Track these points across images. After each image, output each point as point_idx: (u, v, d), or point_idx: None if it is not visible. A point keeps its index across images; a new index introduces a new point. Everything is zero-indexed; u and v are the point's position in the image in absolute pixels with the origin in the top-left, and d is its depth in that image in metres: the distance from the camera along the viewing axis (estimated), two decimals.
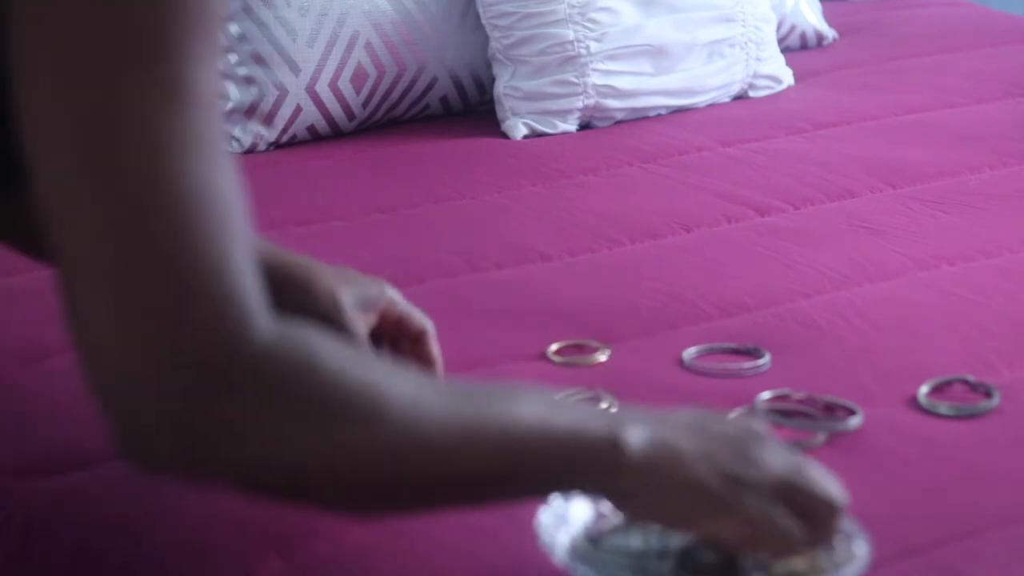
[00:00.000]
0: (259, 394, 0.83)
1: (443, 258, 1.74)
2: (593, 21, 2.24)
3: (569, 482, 0.97)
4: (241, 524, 1.17)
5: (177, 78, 0.83)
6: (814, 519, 1.01)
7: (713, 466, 0.99)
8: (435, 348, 1.29)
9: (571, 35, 2.23)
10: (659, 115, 2.30)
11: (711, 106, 2.34)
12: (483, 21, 2.26)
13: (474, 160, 2.12)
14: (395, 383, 0.88)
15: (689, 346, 1.47)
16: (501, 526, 1.15)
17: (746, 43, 2.36)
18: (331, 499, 0.92)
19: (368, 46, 2.22)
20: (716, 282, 1.65)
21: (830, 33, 2.74)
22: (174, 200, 0.82)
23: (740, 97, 2.38)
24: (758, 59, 2.37)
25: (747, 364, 1.44)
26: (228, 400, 0.83)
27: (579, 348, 1.49)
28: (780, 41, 2.54)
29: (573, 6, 2.23)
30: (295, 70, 2.18)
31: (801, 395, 1.36)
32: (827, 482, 1.02)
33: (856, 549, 1.06)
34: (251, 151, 2.18)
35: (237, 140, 2.17)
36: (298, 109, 2.19)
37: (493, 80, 2.28)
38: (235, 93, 2.17)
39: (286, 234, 1.85)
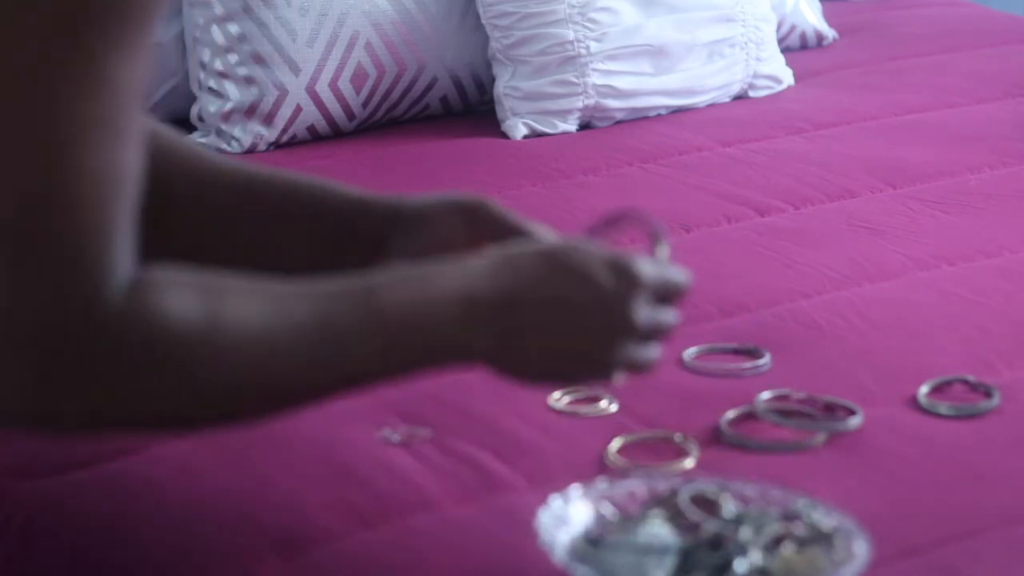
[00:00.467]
0: (106, 356, 0.89)
1: None
2: (593, 21, 2.24)
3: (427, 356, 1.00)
4: (241, 524, 1.17)
5: (96, 62, 0.87)
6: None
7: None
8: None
9: (571, 35, 2.23)
10: (659, 115, 2.30)
11: (711, 106, 2.34)
12: (483, 21, 2.26)
13: (474, 160, 2.12)
14: (239, 325, 0.93)
15: (689, 346, 1.47)
16: (501, 526, 1.15)
17: (746, 43, 2.36)
18: (184, 431, 1.05)
19: (368, 46, 2.22)
20: (716, 282, 1.64)
21: (830, 33, 2.74)
22: (70, 190, 0.87)
23: (740, 97, 2.38)
24: (758, 59, 2.37)
25: (747, 364, 1.44)
26: (77, 360, 0.89)
27: None
28: (780, 41, 2.54)
29: (573, 6, 2.23)
30: (295, 70, 2.18)
31: (801, 395, 1.36)
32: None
33: (856, 549, 1.06)
34: (251, 151, 2.18)
35: (237, 140, 2.17)
36: (298, 109, 2.19)
37: (493, 80, 2.28)
38: (235, 93, 2.17)
39: None
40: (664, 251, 1.12)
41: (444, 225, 1.13)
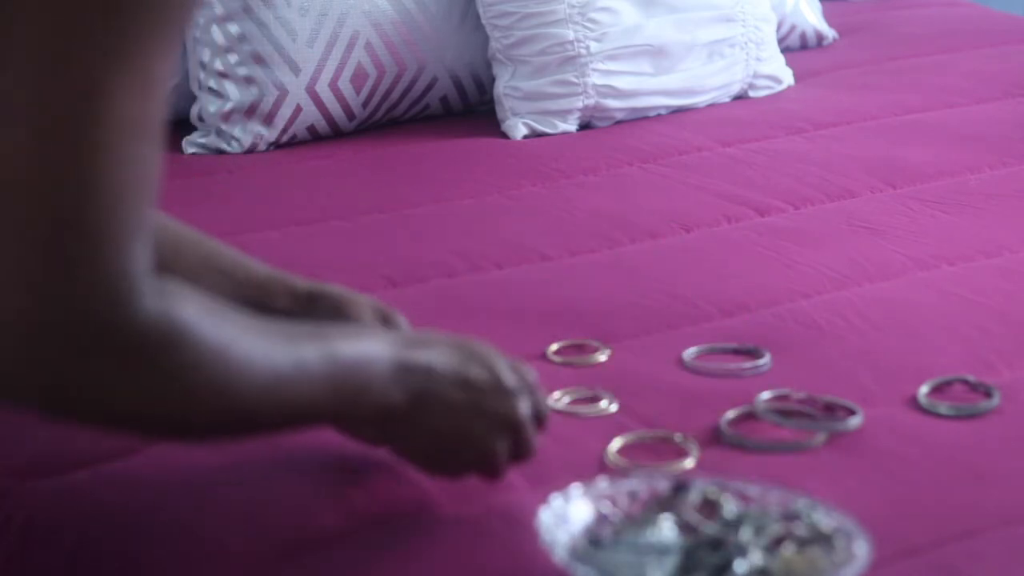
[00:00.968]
0: (130, 361, 0.92)
1: (443, 258, 1.74)
2: (593, 21, 2.24)
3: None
4: (241, 524, 1.17)
5: (142, 65, 0.89)
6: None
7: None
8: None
9: (571, 35, 2.23)
10: (659, 115, 2.30)
11: (711, 106, 2.34)
12: (483, 21, 2.26)
13: (474, 160, 2.12)
14: (243, 352, 0.98)
15: (689, 346, 1.47)
16: (501, 526, 1.15)
17: (746, 43, 2.36)
18: (191, 439, 1.11)
19: (368, 46, 2.22)
20: (716, 282, 1.65)
21: (830, 33, 2.75)
22: (106, 181, 0.89)
23: (740, 97, 2.38)
24: (758, 59, 2.37)
25: (747, 364, 1.44)
26: (98, 360, 0.91)
27: (579, 348, 1.49)
28: (780, 41, 2.54)
29: (573, 6, 2.23)
30: (295, 70, 2.18)
31: (801, 395, 1.36)
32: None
33: (856, 549, 1.06)
34: (251, 151, 2.18)
35: (237, 140, 2.17)
36: (298, 109, 2.19)
37: (493, 80, 2.28)
38: (235, 93, 2.17)
39: (286, 234, 1.85)
40: None
41: (364, 314, 1.26)
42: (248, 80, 2.17)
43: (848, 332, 1.51)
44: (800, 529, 1.09)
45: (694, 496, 1.12)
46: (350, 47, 2.20)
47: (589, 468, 1.24)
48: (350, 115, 2.23)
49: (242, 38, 2.17)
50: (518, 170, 2.06)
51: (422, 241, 1.81)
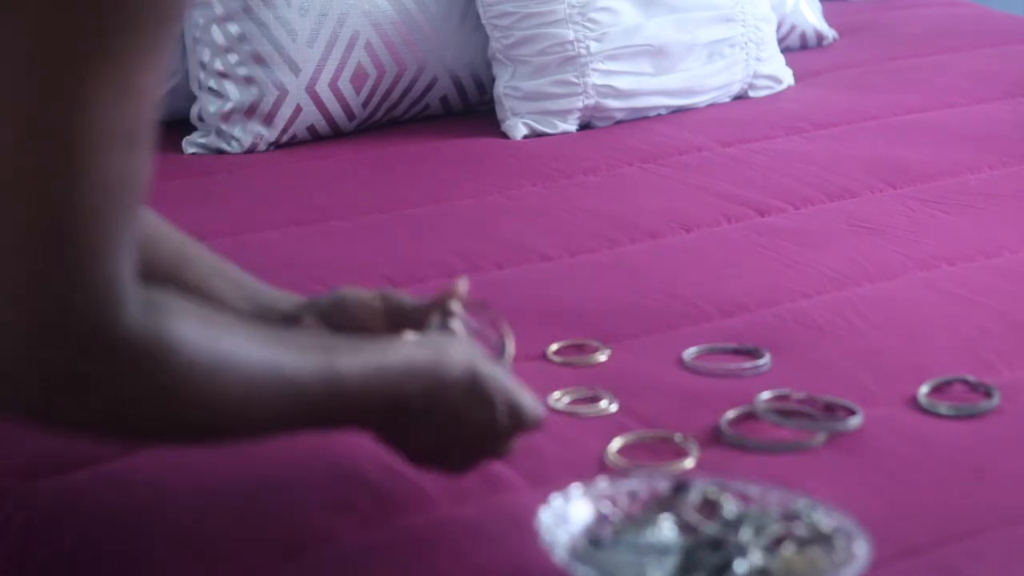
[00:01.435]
0: (115, 371, 0.93)
1: (443, 258, 1.74)
2: (593, 21, 2.24)
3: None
4: (242, 525, 1.17)
5: (128, 73, 0.89)
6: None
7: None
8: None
9: (571, 35, 2.23)
10: (659, 115, 2.30)
11: (711, 106, 2.34)
12: (483, 21, 2.26)
13: (474, 160, 2.12)
14: (235, 361, 0.98)
15: (689, 346, 1.47)
16: (501, 526, 1.15)
17: (746, 43, 2.36)
18: (176, 445, 1.15)
19: (368, 46, 2.22)
20: (716, 282, 1.65)
21: (830, 33, 2.74)
22: (92, 195, 0.89)
23: (740, 97, 2.38)
24: (758, 59, 2.37)
25: (747, 364, 1.44)
26: (83, 368, 0.91)
27: (579, 348, 1.49)
28: (780, 41, 2.54)
29: (573, 6, 2.23)
30: (295, 70, 2.18)
31: (801, 395, 1.36)
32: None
33: (856, 549, 1.06)
34: (251, 151, 2.18)
35: (237, 140, 2.17)
36: (298, 109, 2.19)
37: (493, 80, 2.28)
38: (235, 93, 2.17)
39: (286, 234, 1.85)
40: (510, 348, 1.28)
41: (364, 297, 1.27)
42: (248, 80, 2.17)
43: (848, 332, 1.51)
44: (800, 529, 1.09)
45: (694, 496, 1.12)
46: (350, 47, 2.20)
47: (589, 468, 1.24)
48: (350, 115, 2.23)
49: (242, 38, 2.17)
50: (518, 170, 2.06)
51: (422, 241, 1.81)
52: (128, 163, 0.90)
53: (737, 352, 1.47)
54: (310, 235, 1.84)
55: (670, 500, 1.11)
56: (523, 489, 1.21)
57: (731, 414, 1.33)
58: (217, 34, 2.18)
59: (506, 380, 1.17)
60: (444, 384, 1.13)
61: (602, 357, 1.47)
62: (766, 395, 1.36)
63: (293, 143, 2.21)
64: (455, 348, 1.16)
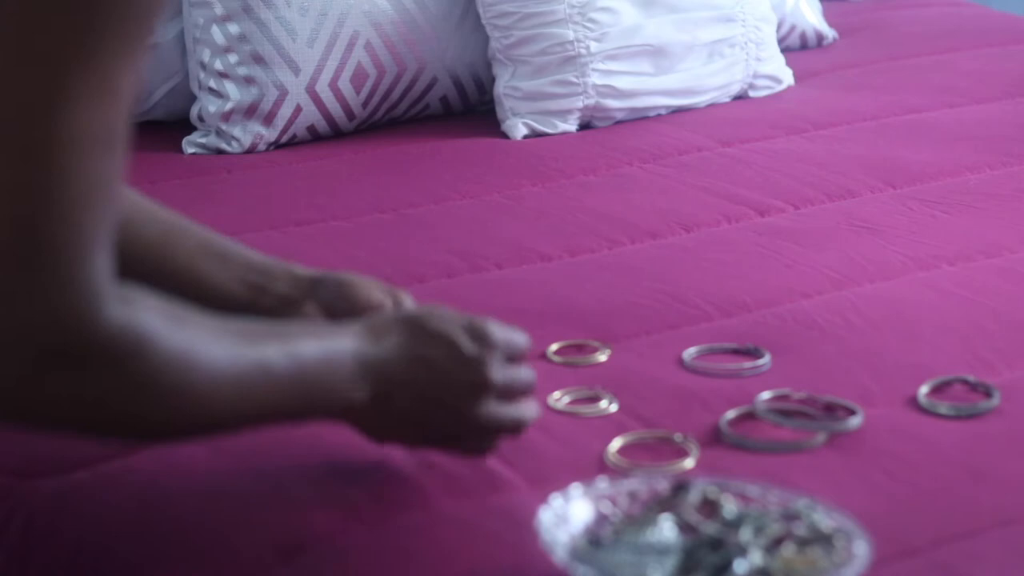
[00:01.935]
0: (94, 371, 0.93)
1: (443, 258, 1.74)
2: (593, 21, 2.24)
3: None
4: (242, 525, 1.17)
5: (103, 76, 0.89)
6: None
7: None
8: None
9: (571, 35, 2.23)
10: (659, 115, 2.30)
11: (711, 106, 2.34)
12: (483, 21, 2.26)
13: (474, 160, 2.12)
14: (206, 356, 1.00)
15: (689, 346, 1.47)
16: (501, 526, 1.15)
17: (746, 43, 2.36)
18: (156, 442, 1.17)
19: (368, 46, 2.22)
20: (716, 282, 1.65)
21: (830, 33, 2.75)
22: (67, 196, 0.89)
23: (740, 97, 2.38)
24: (758, 59, 2.37)
25: (747, 364, 1.44)
26: (62, 370, 0.92)
27: (579, 348, 1.49)
28: (780, 41, 2.54)
29: (573, 6, 2.23)
30: (295, 70, 2.18)
31: (801, 395, 1.36)
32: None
33: (856, 549, 1.06)
34: (251, 151, 2.18)
35: (237, 140, 2.17)
36: (298, 109, 2.19)
37: (493, 80, 2.28)
38: (235, 93, 2.17)
39: (286, 234, 1.85)
40: None
41: (371, 295, 1.28)
42: (248, 80, 2.17)
43: (848, 332, 1.51)
44: (800, 529, 1.09)
45: (694, 496, 1.12)
46: (350, 47, 2.20)
47: (589, 468, 1.24)
48: (350, 115, 2.23)
49: (242, 38, 2.17)
50: (518, 170, 2.06)
51: (422, 241, 1.81)
52: (104, 164, 0.91)
53: (737, 352, 1.47)
54: (310, 235, 1.84)
55: (670, 500, 1.11)
56: (523, 489, 1.21)
57: (731, 414, 1.33)
58: (217, 34, 2.18)
59: (452, 313, 1.17)
60: (390, 335, 1.13)
61: (602, 357, 1.47)
62: (766, 395, 1.36)
63: (293, 143, 2.21)
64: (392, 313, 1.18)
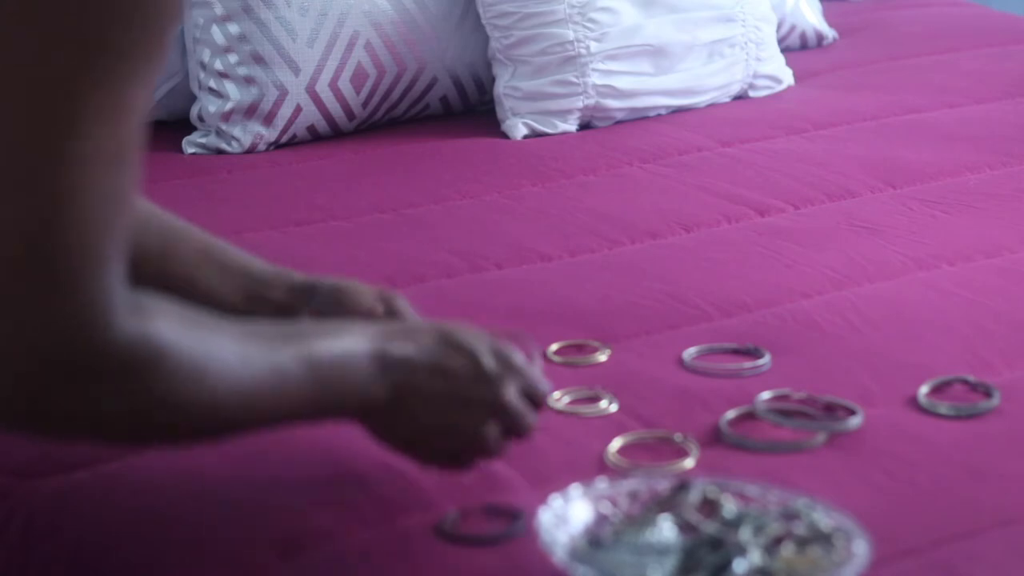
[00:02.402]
0: (110, 383, 0.94)
1: (443, 258, 1.74)
2: (593, 21, 2.24)
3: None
4: (242, 525, 1.17)
5: (116, 94, 0.90)
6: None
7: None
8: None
9: (571, 35, 2.23)
10: (659, 115, 2.30)
11: (711, 106, 2.34)
12: (483, 21, 2.26)
13: (474, 160, 2.12)
14: (221, 362, 1.00)
15: (689, 346, 1.48)
16: (500, 526, 1.15)
17: (746, 43, 2.36)
18: (173, 446, 1.17)
19: (368, 46, 2.22)
20: (716, 282, 1.65)
21: (830, 33, 2.75)
22: (82, 213, 0.90)
23: (740, 97, 2.38)
24: (758, 59, 2.37)
25: (747, 364, 1.44)
26: (79, 384, 0.93)
27: (579, 348, 1.49)
28: (780, 41, 2.54)
29: (573, 6, 2.23)
30: (295, 70, 2.18)
31: (801, 395, 1.36)
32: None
33: (856, 548, 1.06)
34: (251, 151, 2.18)
35: (237, 140, 2.17)
36: (298, 109, 2.19)
37: (493, 80, 2.28)
38: (235, 93, 2.17)
39: (286, 234, 1.85)
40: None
41: (364, 302, 1.27)
42: (248, 80, 2.17)
43: (848, 332, 1.51)
44: (800, 529, 1.09)
45: (694, 496, 1.12)
46: (350, 47, 2.20)
47: (589, 468, 1.24)
48: (350, 115, 2.23)
49: (242, 38, 2.17)
50: (518, 170, 2.06)
51: (422, 241, 1.81)
52: (117, 180, 0.91)
53: (737, 352, 1.47)
54: (310, 235, 1.84)
55: (670, 500, 1.11)
56: (523, 489, 1.20)
57: (731, 414, 1.33)
58: (217, 34, 2.18)
59: (482, 333, 1.17)
60: (417, 341, 1.13)
61: (602, 357, 1.47)
62: (766, 395, 1.36)
63: (293, 143, 2.21)
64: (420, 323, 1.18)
